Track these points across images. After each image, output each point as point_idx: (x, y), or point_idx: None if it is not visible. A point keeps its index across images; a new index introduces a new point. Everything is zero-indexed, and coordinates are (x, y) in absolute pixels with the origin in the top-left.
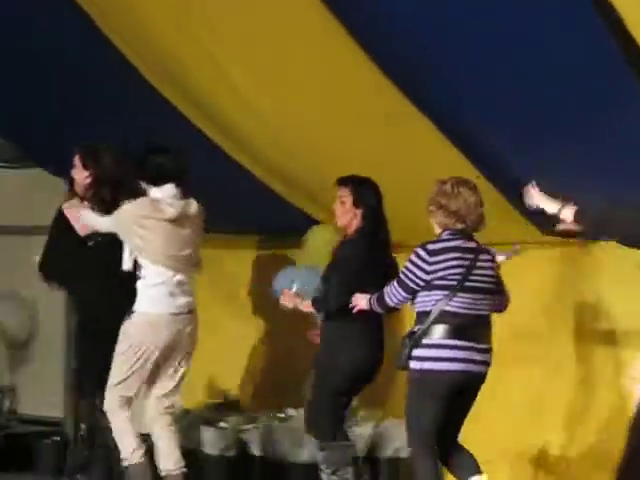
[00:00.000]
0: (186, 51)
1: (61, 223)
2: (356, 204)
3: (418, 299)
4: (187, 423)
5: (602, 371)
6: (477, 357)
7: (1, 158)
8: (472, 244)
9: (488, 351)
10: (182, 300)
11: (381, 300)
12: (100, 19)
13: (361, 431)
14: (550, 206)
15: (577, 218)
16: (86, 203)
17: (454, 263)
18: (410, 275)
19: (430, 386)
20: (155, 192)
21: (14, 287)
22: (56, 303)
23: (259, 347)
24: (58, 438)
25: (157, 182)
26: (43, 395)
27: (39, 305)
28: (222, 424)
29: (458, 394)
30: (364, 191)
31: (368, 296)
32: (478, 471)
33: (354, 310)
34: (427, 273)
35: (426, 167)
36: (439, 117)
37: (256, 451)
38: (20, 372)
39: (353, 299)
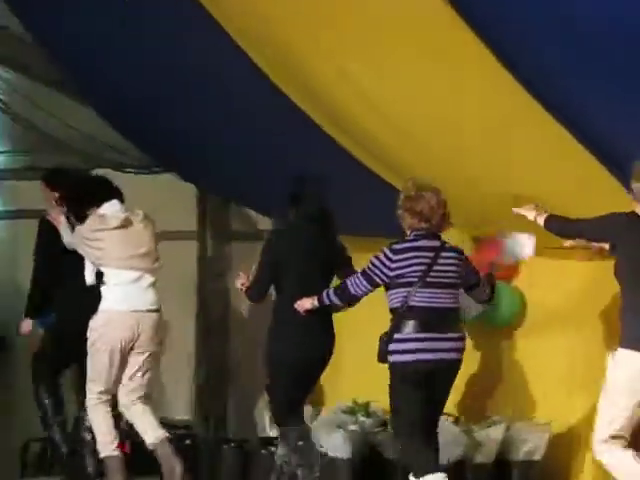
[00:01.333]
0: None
1: (45, 229)
2: None
3: (389, 297)
4: (318, 426)
5: None
6: (445, 346)
7: (134, 164)
8: (436, 243)
9: (458, 339)
10: (144, 298)
11: (344, 291)
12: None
13: (492, 434)
14: (529, 214)
15: (546, 225)
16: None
17: (415, 261)
18: (375, 270)
19: (406, 377)
20: (101, 209)
21: None
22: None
23: None
24: (189, 441)
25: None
26: (172, 399)
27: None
28: (352, 427)
29: (433, 381)
30: None
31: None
32: (438, 468)
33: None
34: (391, 270)
35: (560, 169)
36: (573, 121)
37: (386, 454)
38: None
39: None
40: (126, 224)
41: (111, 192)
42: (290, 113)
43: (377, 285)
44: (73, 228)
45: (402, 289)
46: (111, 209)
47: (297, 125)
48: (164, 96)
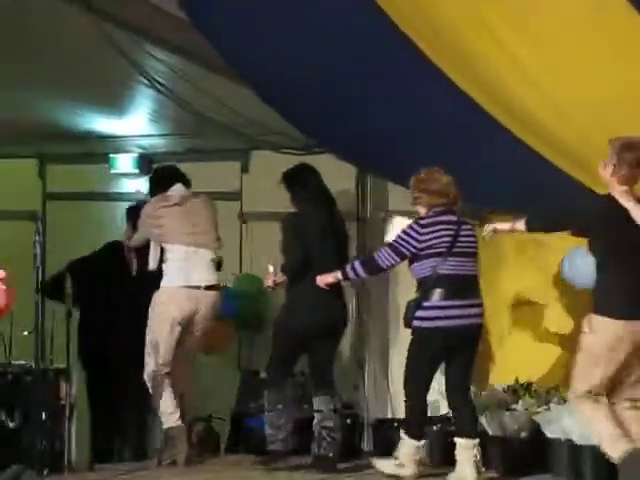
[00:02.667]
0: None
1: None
2: None
3: (415, 268)
4: (481, 406)
5: None
6: (471, 311)
7: (293, 145)
8: (454, 217)
9: (479, 306)
10: (202, 275)
11: (371, 263)
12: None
13: None
14: (504, 226)
15: (529, 227)
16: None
17: (442, 233)
18: (404, 243)
19: (430, 342)
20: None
21: None
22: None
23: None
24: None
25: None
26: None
27: None
28: (515, 406)
29: (457, 347)
30: None
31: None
32: (473, 435)
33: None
34: (419, 242)
35: None
36: None
37: (549, 433)
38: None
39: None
40: (184, 202)
41: (175, 178)
42: (451, 96)
43: (404, 257)
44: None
45: (431, 259)
46: (174, 191)
47: (458, 108)
48: (323, 77)
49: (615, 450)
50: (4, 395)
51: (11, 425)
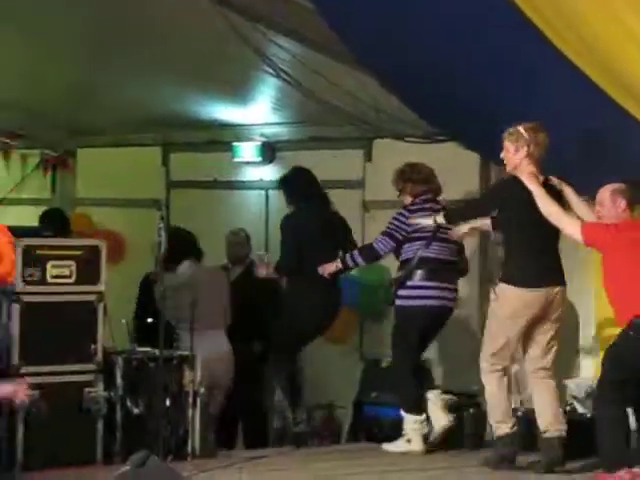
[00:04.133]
0: None
1: None
2: None
3: (402, 250)
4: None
5: None
6: (448, 295)
7: (416, 134)
8: (439, 205)
9: (456, 291)
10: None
11: (369, 251)
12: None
13: None
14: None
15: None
16: None
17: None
18: (396, 228)
19: (413, 319)
20: None
21: None
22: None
23: None
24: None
25: None
26: (457, 369)
27: None
28: None
29: (432, 325)
30: None
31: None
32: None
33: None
34: (408, 226)
35: None
36: None
37: None
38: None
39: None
40: None
41: None
42: (574, 80)
43: (398, 241)
44: None
45: (417, 242)
46: None
47: (590, 101)
48: (444, 63)
49: (499, 429)
50: (129, 382)
51: (135, 411)
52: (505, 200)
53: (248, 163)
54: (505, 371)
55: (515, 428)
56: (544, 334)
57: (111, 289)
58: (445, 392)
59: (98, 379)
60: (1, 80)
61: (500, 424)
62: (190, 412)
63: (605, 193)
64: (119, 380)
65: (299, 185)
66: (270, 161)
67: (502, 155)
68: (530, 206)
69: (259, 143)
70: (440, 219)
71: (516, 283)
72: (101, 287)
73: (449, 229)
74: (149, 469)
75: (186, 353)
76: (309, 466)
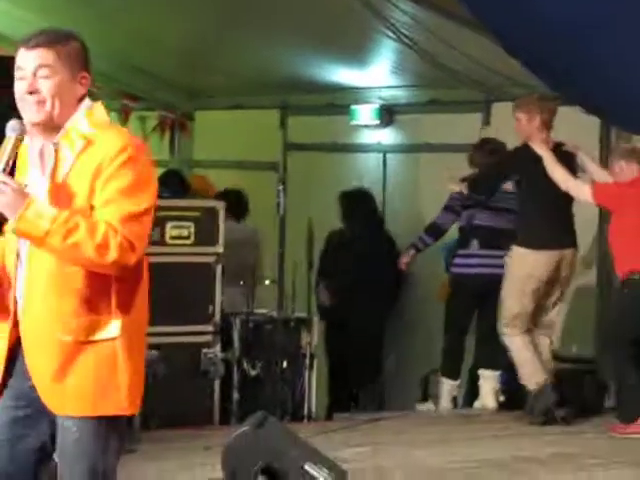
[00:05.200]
0: None
1: None
2: None
3: (460, 219)
4: None
5: None
6: (500, 262)
7: None
8: None
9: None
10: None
11: (436, 229)
12: None
13: None
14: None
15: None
16: None
17: None
18: (452, 201)
19: (465, 287)
20: None
21: None
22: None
23: None
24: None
25: None
26: (575, 333)
27: None
28: None
29: (485, 292)
30: None
31: None
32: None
33: None
34: (464, 195)
35: None
36: None
37: None
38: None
39: None
40: None
41: None
42: None
43: (456, 212)
44: None
45: (471, 210)
46: None
47: None
48: (570, 27)
49: (532, 382)
50: (246, 344)
51: (252, 373)
52: (520, 166)
53: (366, 126)
54: (529, 331)
55: (548, 381)
56: (552, 294)
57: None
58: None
59: (215, 340)
60: (121, 42)
61: (532, 380)
62: (307, 374)
63: (611, 157)
64: (236, 341)
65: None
66: (388, 124)
67: (515, 126)
68: (542, 172)
69: (377, 106)
70: (464, 188)
71: (529, 245)
72: (219, 248)
73: (500, 197)
74: (267, 430)
75: (303, 315)
76: (425, 429)
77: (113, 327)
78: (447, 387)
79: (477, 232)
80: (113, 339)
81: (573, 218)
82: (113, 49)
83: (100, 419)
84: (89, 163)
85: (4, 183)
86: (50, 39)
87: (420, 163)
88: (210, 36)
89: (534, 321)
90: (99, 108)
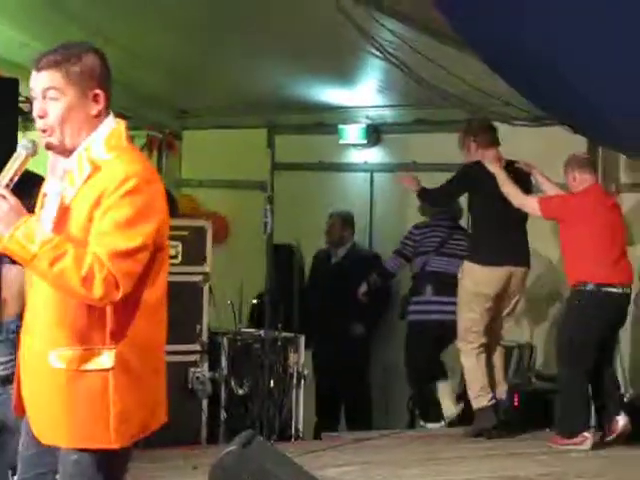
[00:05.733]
0: None
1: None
2: None
3: (413, 264)
4: None
5: None
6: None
7: (521, 116)
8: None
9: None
10: None
11: (383, 271)
12: None
13: None
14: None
15: (421, 195)
16: None
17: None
18: (404, 246)
19: (424, 333)
20: None
21: None
22: None
23: None
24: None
25: None
26: None
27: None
28: None
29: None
30: None
31: None
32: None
33: None
34: (415, 241)
35: None
36: None
37: None
38: (538, 329)
39: None
40: None
41: None
42: None
43: (407, 257)
44: None
45: (423, 257)
46: None
47: None
48: (554, 47)
49: (478, 403)
50: (234, 362)
51: (240, 392)
52: (471, 183)
53: (353, 145)
54: (482, 347)
55: (493, 401)
56: (501, 311)
57: (215, 269)
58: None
59: (203, 359)
60: (110, 60)
61: (479, 398)
62: (294, 393)
63: (565, 167)
64: (224, 361)
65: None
66: (375, 144)
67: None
68: (494, 188)
69: (364, 125)
70: (416, 188)
71: (478, 261)
72: (207, 268)
73: (455, 244)
74: (254, 449)
75: (291, 334)
76: (413, 448)
77: (105, 358)
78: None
79: (431, 278)
80: (106, 370)
81: (526, 236)
82: None
83: (90, 451)
84: (93, 191)
85: (3, 197)
86: (58, 58)
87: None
88: (198, 55)
89: (492, 337)
90: (118, 130)
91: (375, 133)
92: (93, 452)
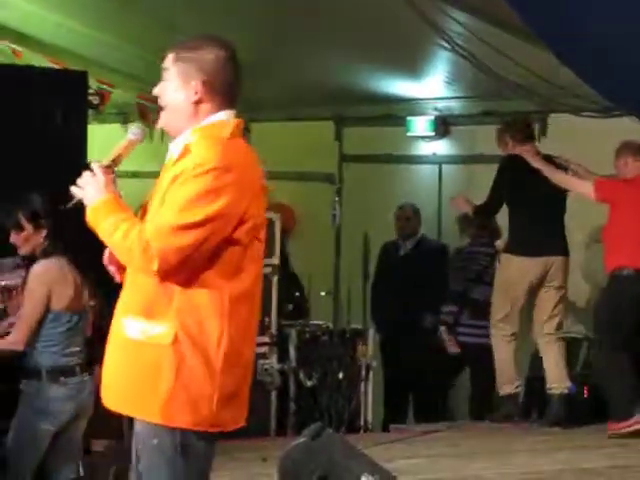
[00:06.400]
0: None
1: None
2: None
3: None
4: None
5: None
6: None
7: (591, 108)
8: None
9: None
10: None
11: None
12: None
13: None
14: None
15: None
16: None
17: None
18: None
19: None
20: None
21: None
22: None
23: None
24: None
25: None
26: None
27: None
28: None
29: None
30: None
31: None
32: None
33: None
34: None
35: None
36: None
37: None
38: None
39: None
40: None
41: None
42: None
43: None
44: None
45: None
46: None
47: None
48: (625, 34)
49: (503, 390)
50: (302, 354)
51: (309, 384)
52: (507, 179)
53: (421, 137)
54: (514, 336)
55: (519, 389)
56: (548, 301)
57: None
58: None
59: (272, 352)
60: None
61: (505, 385)
62: (362, 385)
63: (618, 151)
64: (292, 353)
65: None
66: (443, 135)
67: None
68: (529, 180)
69: (432, 117)
70: (470, 210)
71: (514, 251)
72: (275, 260)
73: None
74: (324, 441)
75: (359, 327)
76: (482, 441)
77: (166, 335)
78: None
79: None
80: (163, 346)
81: (563, 226)
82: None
83: (150, 424)
84: (177, 170)
85: (93, 174)
86: (181, 44)
87: (475, 174)
88: (266, 48)
89: (540, 330)
90: (223, 122)
91: (443, 125)
92: (146, 422)
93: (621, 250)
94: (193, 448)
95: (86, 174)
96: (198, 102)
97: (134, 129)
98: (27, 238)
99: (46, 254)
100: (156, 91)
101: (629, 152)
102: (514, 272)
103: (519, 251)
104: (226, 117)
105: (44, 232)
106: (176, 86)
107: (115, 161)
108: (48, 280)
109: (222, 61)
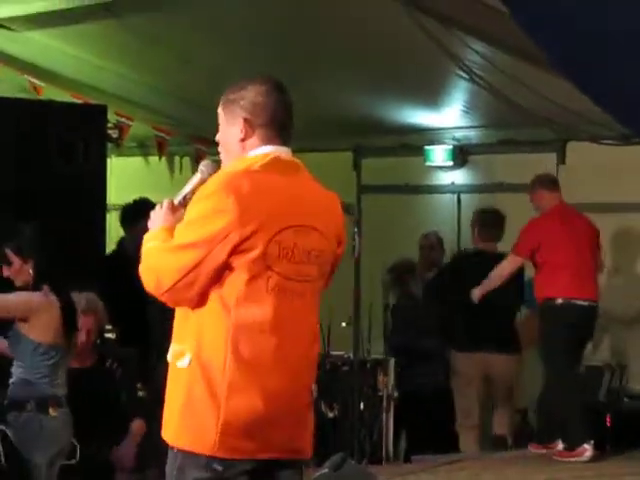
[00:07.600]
0: None
1: None
2: None
3: None
4: None
5: None
6: None
7: (611, 135)
8: None
9: None
10: None
11: None
12: None
13: None
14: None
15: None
16: None
17: None
18: None
19: None
20: None
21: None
22: None
23: None
24: None
25: None
26: None
27: None
28: None
29: None
30: None
31: None
32: None
33: None
34: None
35: None
36: None
37: None
38: (631, 349)
39: None
40: None
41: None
42: None
43: None
44: None
45: None
46: None
47: None
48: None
49: None
50: (323, 385)
51: (330, 415)
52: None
53: (439, 167)
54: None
55: None
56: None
57: None
58: None
59: None
60: (198, 85)
61: None
62: (384, 416)
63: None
64: (313, 384)
65: None
66: (462, 165)
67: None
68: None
69: (450, 147)
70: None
71: (459, 349)
72: None
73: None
74: (346, 472)
75: (379, 357)
76: (504, 470)
77: (185, 358)
78: None
79: None
80: (181, 369)
81: (513, 323)
82: (190, 92)
83: (174, 448)
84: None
85: (160, 206)
86: (229, 88)
87: (494, 203)
88: (284, 80)
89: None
90: (257, 155)
91: (461, 154)
92: (176, 450)
93: (556, 281)
94: (189, 470)
95: (157, 207)
96: (244, 139)
97: (205, 165)
98: (17, 271)
99: (35, 287)
100: (217, 137)
101: (542, 186)
102: (462, 371)
103: (461, 347)
104: (266, 151)
105: (30, 264)
106: (225, 128)
107: (186, 199)
108: (29, 305)
109: (262, 96)
